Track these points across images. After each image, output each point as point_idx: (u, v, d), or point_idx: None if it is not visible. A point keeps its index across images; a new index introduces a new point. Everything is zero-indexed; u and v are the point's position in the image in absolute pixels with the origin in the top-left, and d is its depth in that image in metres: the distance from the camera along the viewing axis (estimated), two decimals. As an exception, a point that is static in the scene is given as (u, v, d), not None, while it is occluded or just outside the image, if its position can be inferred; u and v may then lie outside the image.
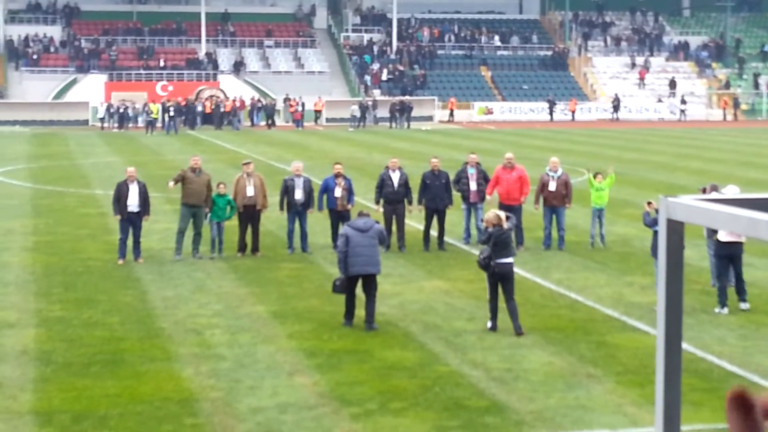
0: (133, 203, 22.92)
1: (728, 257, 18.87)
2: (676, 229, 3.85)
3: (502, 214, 18.00)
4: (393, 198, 24.45)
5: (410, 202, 24.76)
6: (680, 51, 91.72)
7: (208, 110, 73.25)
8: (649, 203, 19.16)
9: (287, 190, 24.40)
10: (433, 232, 24.99)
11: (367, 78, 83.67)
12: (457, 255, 24.10)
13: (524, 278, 21.00)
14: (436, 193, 24.70)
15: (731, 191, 20.48)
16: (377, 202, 24.92)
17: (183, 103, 72.76)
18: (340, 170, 24.52)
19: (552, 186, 24.54)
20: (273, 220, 26.47)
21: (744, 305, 18.91)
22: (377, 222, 18.62)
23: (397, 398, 13.85)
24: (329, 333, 17.12)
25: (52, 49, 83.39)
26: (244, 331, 17.32)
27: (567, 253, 24.27)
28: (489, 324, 17.36)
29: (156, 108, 69.23)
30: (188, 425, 12.86)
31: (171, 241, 24.03)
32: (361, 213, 18.47)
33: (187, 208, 23.49)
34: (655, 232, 19.36)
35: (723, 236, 19.08)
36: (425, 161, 28.51)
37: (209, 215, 23.63)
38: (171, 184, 24.24)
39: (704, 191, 21.22)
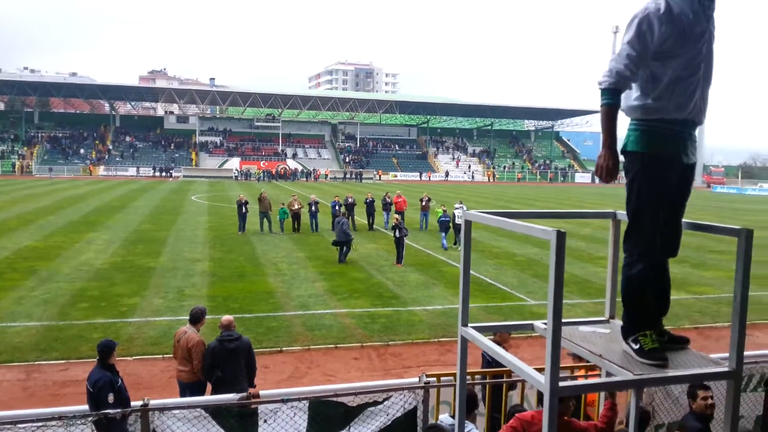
0: (245, 210, 22.71)
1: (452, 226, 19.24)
2: (468, 224, 3.67)
3: (399, 217, 18.14)
4: (350, 208, 24.21)
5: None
6: (473, 153, 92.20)
7: (281, 173, 72.56)
8: (442, 206, 19.44)
9: (310, 206, 24.09)
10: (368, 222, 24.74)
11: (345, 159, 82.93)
12: (381, 234, 23.77)
13: (411, 244, 21.00)
14: (370, 207, 24.55)
15: (460, 206, 20.77)
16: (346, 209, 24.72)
17: (272, 170, 72.07)
18: (338, 198, 24.27)
19: (424, 202, 24.65)
20: (306, 218, 26.18)
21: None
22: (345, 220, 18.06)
23: (356, 292, 13.73)
24: (330, 265, 16.90)
25: (217, 147, 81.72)
26: (294, 263, 17.03)
27: (426, 233, 24.21)
28: (395, 262, 17.32)
29: (258, 172, 68.91)
30: (270, 303, 12.66)
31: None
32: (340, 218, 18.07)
33: (262, 213, 23.13)
34: (441, 222, 19.97)
35: (457, 219, 19.47)
36: (365, 194, 28.12)
37: (278, 216, 23.34)
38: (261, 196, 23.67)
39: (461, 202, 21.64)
